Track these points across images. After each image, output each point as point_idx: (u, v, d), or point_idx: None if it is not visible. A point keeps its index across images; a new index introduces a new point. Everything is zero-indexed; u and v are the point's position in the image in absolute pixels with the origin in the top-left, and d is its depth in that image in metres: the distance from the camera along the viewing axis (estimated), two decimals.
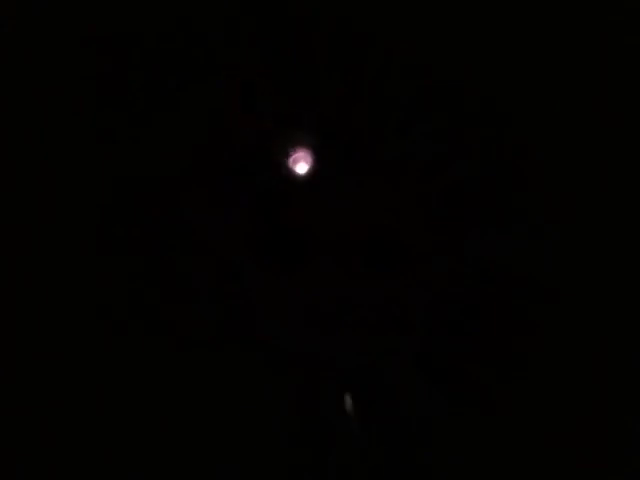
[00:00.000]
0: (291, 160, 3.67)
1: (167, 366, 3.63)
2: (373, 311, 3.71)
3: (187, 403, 3.61)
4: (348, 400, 3.35)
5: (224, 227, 3.72)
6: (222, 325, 3.68)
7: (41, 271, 3.66)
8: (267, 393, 3.63)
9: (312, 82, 3.76)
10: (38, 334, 3.63)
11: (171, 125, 3.75)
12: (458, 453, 3.60)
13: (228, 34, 3.77)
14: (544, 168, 3.75)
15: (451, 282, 3.71)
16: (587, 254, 3.71)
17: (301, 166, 3.69)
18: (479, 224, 3.74)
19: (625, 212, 3.73)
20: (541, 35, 3.77)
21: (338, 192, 3.75)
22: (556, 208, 3.74)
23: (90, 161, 3.72)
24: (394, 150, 3.76)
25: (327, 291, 3.72)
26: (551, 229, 3.72)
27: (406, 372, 3.66)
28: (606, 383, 3.63)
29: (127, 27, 3.79)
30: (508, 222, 3.73)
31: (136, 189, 3.72)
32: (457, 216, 3.75)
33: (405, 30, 3.77)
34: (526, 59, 3.77)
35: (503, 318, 3.69)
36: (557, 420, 3.62)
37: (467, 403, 3.64)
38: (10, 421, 3.57)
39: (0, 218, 3.67)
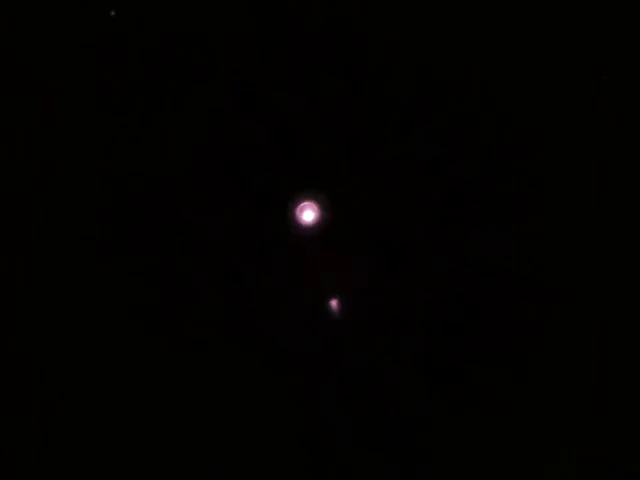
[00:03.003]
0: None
1: (167, 366, 3.63)
2: (373, 311, 3.71)
3: (187, 403, 3.61)
4: None
5: (224, 227, 3.72)
6: (222, 325, 3.68)
7: (41, 271, 3.66)
8: (267, 393, 3.63)
9: (312, 82, 3.76)
10: (38, 334, 3.63)
11: (171, 125, 3.75)
12: (458, 453, 3.60)
13: (228, 34, 3.77)
14: (544, 168, 3.75)
15: (451, 282, 3.71)
16: (587, 254, 3.70)
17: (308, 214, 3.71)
18: (479, 224, 3.74)
19: (625, 212, 3.73)
20: (541, 35, 3.77)
21: (338, 192, 3.75)
22: (556, 208, 3.74)
23: (90, 161, 3.73)
24: (394, 150, 3.76)
25: (327, 291, 3.72)
26: (551, 229, 3.72)
27: (406, 372, 3.66)
28: (606, 383, 3.63)
29: (127, 28, 3.79)
30: (508, 222, 3.73)
31: (136, 189, 3.72)
32: (457, 216, 3.75)
33: (405, 30, 3.77)
34: (526, 59, 3.77)
35: (503, 318, 3.69)
36: (557, 420, 3.62)
37: (467, 403, 3.64)
38: (11, 421, 3.57)
39: (0, 218, 3.68)
